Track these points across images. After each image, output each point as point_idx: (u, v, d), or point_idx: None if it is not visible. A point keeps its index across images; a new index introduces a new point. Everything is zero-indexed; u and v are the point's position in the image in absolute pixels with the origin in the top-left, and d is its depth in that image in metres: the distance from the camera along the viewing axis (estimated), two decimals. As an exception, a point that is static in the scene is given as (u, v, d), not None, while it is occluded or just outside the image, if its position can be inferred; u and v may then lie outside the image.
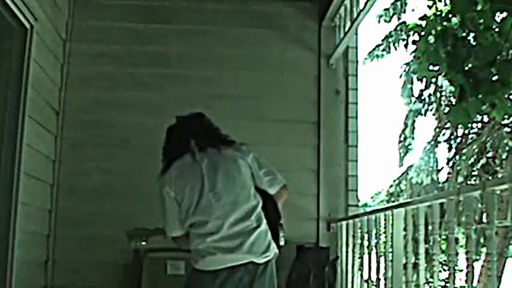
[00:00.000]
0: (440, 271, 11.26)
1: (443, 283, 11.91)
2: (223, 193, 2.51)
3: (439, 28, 4.63)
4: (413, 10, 12.30)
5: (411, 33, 11.34)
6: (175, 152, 2.66)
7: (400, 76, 13.41)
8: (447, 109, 12.29)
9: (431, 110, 13.33)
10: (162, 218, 2.66)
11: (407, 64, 13.10)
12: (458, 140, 13.21)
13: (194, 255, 2.55)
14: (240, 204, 2.52)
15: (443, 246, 8.62)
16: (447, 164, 13.19)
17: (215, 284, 2.45)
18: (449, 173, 13.00)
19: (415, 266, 3.36)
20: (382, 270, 3.76)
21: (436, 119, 13.32)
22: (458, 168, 12.49)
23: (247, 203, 2.54)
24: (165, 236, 2.80)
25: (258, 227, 2.51)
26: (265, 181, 2.65)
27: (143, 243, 3.15)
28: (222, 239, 2.46)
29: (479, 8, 4.39)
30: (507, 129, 11.95)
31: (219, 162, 2.57)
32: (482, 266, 12.33)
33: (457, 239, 9.22)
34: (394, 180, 13.98)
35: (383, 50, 12.76)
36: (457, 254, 10.85)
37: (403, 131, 13.64)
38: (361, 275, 4.28)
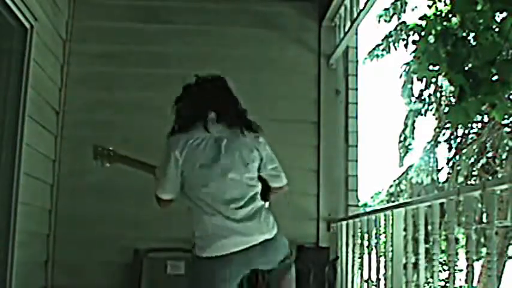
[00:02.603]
0: (440, 271, 11.27)
1: (443, 283, 11.91)
2: (236, 177, 2.48)
3: (439, 28, 4.63)
4: (413, 10, 12.31)
5: (411, 33, 11.34)
6: (192, 118, 2.57)
7: (400, 76, 13.40)
8: (447, 109, 12.29)
9: (431, 110, 13.32)
10: (159, 176, 2.56)
11: (407, 64, 13.09)
12: (458, 140, 13.20)
13: (201, 240, 2.43)
14: (249, 190, 2.51)
15: (443, 246, 8.63)
16: (447, 164, 13.19)
17: (230, 268, 2.39)
18: (449, 173, 12.99)
19: (415, 266, 3.36)
20: (382, 270, 3.76)
21: (436, 119, 13.32)
22: (458, 168, 12.49)
23: (254, 189, 2.54)
24: (152, 172, 2.79)
25: (262, 206, 2.53)
26: (270, 175, 2.64)
27: (107, 164, 3.08)
28: (235, 221, 2.42)
29: (479, 8, 4.39)
30: (507, 129, 11.94)
31: (238, 147, 2.52)
32: (482, 266, 12.32)
33: (457, 239, 9.23)
34: (394, 180, 13.97)
35: (383, 50, 12.74)
36: (457, 254, 10.88)
37: (403, 131, 13.63)
38: (361, 275, 4.28)
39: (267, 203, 2.67)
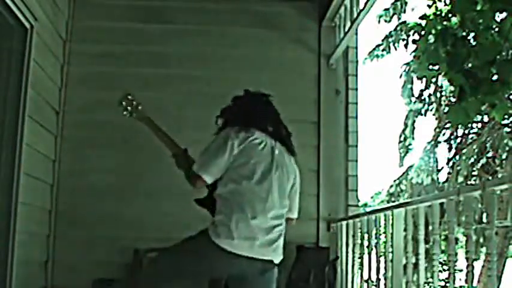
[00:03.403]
0: (440, 271, 11.27)
1: (443, 283, 11.91)
2: (277, 188, 2.56)
3: (439, 28, 4.62)
4: (413, 9, 12.31)
5: (411, 33, 11.34)
6: (253, 119, 2.64)
7: (400, 76, 13.41)
8: (447, 109, 12.29)
9: (431, 110, 13.32)
10: (205, 157, 2.54)
11: (407, 64, 13.09)
12: (458, 140, 13.20)
13: (224, 229, 2.42)
14: (282, 205, 2.59)
15: (443, 246, 8.63)
16: (447, 164, 13.19)
17: (231, 266, 2.44)
18: (449, 173, 12.99)
19: (415, 266, 3.36)
20: (382, 270, 3.76)
21: (436, 119, 13.32)
22: (458, 168, 12.48)
23: (286, 207, 2.62)
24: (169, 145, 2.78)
25: (283, 230, 2.59)
26: (291, 204, 2.70)
27: (128, 115, 3.05)
28: (262, 230, 2.47)
29: (479, 8, 4.39)
30: (507, 129, 11.94)
31: (286, 163, 2.65)
32: (483, 266, 12.32)
33: (457, 239, 9.21)
34: (394, 180, 13.97)
35: (383, 50, 12.74)
36: (456, 254, 10.85)
37: (403, 131, 13.63)
38: (361, 275, 4.28)
39: None
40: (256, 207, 2.47)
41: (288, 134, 2.78)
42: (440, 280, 10.56)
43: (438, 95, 13.08)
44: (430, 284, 8.06)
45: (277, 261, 2.55)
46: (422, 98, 13.33)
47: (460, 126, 12.40)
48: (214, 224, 2.47)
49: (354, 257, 4.30)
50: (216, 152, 2.52)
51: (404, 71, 13.26)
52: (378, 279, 3.78)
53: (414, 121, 13.44)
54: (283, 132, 2.75)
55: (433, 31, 4.66)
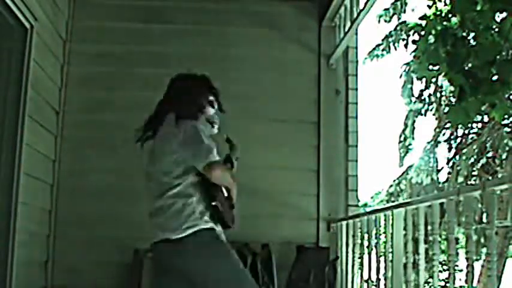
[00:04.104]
0: (440, 271, 11.27)
1: (443, 283, 11.91)
2: (151, 174, 2.67)
3: (439, 28, 4.63)
4: (413, 10, 12.32)
5: (411, 33, 11.35)
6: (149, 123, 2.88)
7: (400, 76, 13.41)
8: (447, 109, 12.29)
9: (431, 110, 13.33)
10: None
11: (407, 64, 13.09)
12: (458, 140, 13.20)
13: None
14: (160, 186, 2.58)
15: (443, 246, 8.63)
16: (447, 164, 13.19)
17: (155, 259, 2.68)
18: (449, 173, 12.99)
19: (415, 266, 3.36)
20: (382, 270, 3.76)
21: (436, 119, 13.32)
22: (458, 168, 12.48)
23: (166, 185, 2.56)
24: None
25: (173, 205, 2.50)
26: (191, 158, 2.49)
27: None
28: (152, 216, 2.63)
29: (479, 8, 4.39)
30: (507, 129, 11.94)
31: (156, 141, 2.71)
32: (482, 266, 12.32)
33: (457, 239, 9.22)
34: (394, 180, 13.97)
35: (383, 50, 12.75)
36: (457, 254, 10.85)
37: (403, 131, 13.63)
38: (361, 275, 4.28)
39: (193, 199, 2.47)
40: (147, 202, 2.69)
41: (162, 110, 2.79)
42: (440, 280, 10.56)
43: (438, 95, 13.08)
44: (430, 284, 8.07)
45: (173, 236, 2.46)
46: (422, 98, 13.34)
47: (460, 126, 12.41)
48: None
49: (354, 257, 4.30)
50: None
51: (404, 71, 13.26)
52: (378, 279, 3.78)
53: (414, 121, 13.45)
54: (162, 112, 2.78)
55: (433, 31, 4.66)
